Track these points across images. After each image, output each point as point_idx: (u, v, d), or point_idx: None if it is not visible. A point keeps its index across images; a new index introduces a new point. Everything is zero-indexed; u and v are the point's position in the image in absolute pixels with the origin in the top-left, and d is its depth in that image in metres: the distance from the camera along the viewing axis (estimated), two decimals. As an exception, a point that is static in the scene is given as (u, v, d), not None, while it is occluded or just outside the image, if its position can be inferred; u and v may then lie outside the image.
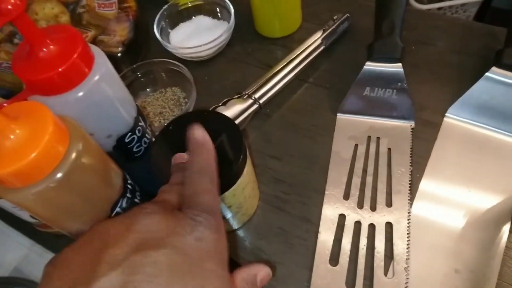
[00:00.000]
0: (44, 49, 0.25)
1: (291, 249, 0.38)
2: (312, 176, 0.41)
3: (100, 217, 0.28)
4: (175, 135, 0.33)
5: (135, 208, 0.23)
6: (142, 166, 0.36)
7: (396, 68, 0.42)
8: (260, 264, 0.26)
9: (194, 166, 0.26)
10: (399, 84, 0.42)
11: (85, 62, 0.27)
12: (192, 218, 0.22)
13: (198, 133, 0.27)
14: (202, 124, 0.33)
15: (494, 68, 0.39)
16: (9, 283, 0.39)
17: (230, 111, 0.43)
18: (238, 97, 0.45)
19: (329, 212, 0.39)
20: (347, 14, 0.51)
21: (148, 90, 0.49)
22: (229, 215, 0.36)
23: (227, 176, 0.31)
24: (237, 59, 0.52)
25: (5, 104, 0.25)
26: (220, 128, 0.32)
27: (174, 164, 0.29)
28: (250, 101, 0.44)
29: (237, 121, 0.43)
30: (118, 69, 0.47)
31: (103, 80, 0.28)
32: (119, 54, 0.47)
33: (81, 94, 0.27)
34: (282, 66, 0.47)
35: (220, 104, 0.44)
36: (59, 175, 0.23)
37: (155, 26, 0.51)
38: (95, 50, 0.29)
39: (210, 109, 0.44)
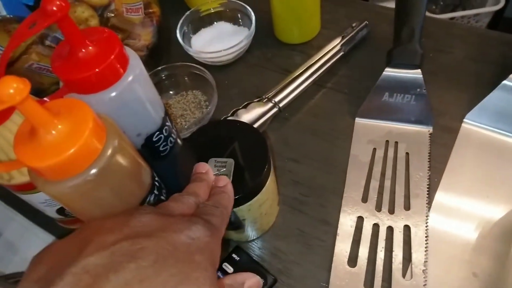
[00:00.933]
0: (83, 50, 0.26)
1: (309, 250, 0.38)
2: (331, 179, 0.42)
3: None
4: (201, 142, 0.34)
5: (134, 208, 0.24)
6: (166, 165, 0.37)
7: (415, 74, 0.42)
8: (250, 273, 0.27)
9: (213, 201, 0.27)
10: (418, 90, 0.43)
11: (120, 63, 0.28)
12: (190, 220, 0.23)
13: (224, 181, 0.29)
14: (230, 134, 0.34)
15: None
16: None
17: (250, 114, 0.44)
18: (258, 101, 0.46)
19: (348, 214, 0.39)
20: (365, 22, 0.52)
21: (170, 92, 0.50)
22: (243, 227, 0.37)
23: (245, 190, 0.31)
24: (256, 64, 0.54)
25: (46, 99, 0.26)
26: (248, 139, 0.33)
27: (194, 173, 0.30)
28: (270, 104, 0.45)
29: (257, 124, 0.44)
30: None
31: (136, 80, 0.29)
32: (143, 58, 0.49)
33: (115, 93, 0.28)
34: (301, 71, 0.48)
35: (241, 107, 0.45)
36: (95, 170, 0.24)
37: (177, 31, 0.52)
38: (129, 52, 0.30)
39: (231, 111, 0.45)
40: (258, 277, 0.26)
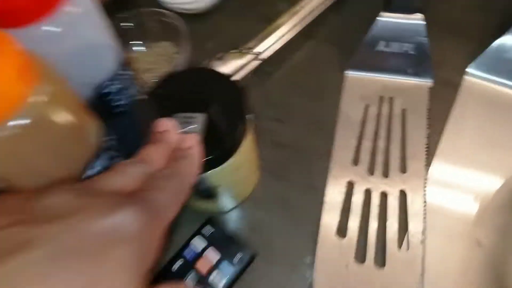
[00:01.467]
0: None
1: (293, 221, 0.34)
2: (318, 141, 0.37)
3: (69, 178, 0.24)
4: (167, 94, 0.28)
5: (48, 185, 0.18)
6: (126, 125, 0.32)
7: (416, 19, 0.37)
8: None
9: (168, 170, 0.21)
10: (418, 38, 0.37)
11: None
12: (119, 201, 0.17)
13: (190, 141, 0.23)
14: (200, 85, 0.28)
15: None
16: None
17: (227, 67, 0.39)
18: (236, 52, 0.40)
19: (336, 179, 0.35)
20: (358, -38, 0.45)
21: (135, 44, 0.44)
22: (216, 195, 0.32)
23: (216, 150, 0.26)
24: (235, 12, 0.47)
25: None
26: (221, 91, 0.28)
27: (153, 132, 0.23)
28: (250, 56, 0.40)
29: (235, 78, 0.39)
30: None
31: (81, 12, 0.23)
32: (106, 2, 0.42)
33: (51, 27, 0.22)
34: (286, 19, 0.42)
35: (215, 58, 0.40)
36: (21, 121, 0.19)
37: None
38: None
39: (205, 62, 0.39)
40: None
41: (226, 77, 0.29)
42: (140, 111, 0.30)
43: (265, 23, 0.45)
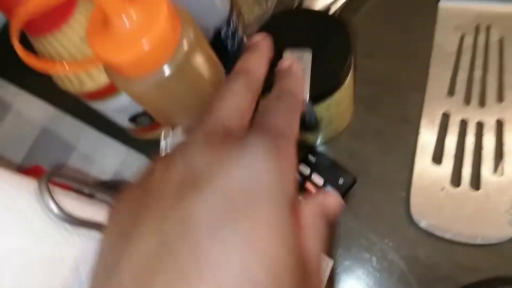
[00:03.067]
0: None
1: (389, 150, 0.36)
2: (410, 74, 0.38)
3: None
4: (274, 33, 0.31)
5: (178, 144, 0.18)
6: (233, 64, 0.35)
7: None
8: (328, 192, 0.20)
9: (275, 91, 0.21)
10: (520, -41, 0.36)
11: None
12: (244, 144, 0.16)
13: (289, 60, 0.23)
14: (307, 24, 0.30)
15: None
16: (115, 186, 0.41)
17: (318, 3, 0.40)
18: (325, -11, 0.41)
19: (431, 111, 0.36)
20: None
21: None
22: (318, 127, 0.34)
23: (324, 85, 0.28)
24: None
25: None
26: (326, 29, 0.30)
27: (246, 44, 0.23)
28: (339, -8, 0.40)
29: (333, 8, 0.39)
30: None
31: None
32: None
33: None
34: (372, -50, 0.41)
35: (306, -3, 0.40)
36: (174, 65, 0.22)
37: None
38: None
39: (296, 3, 0.40)
40: (339, 198, 0.20)
41: (329, 16, 0.31)
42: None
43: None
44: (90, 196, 0.30)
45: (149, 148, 0.42)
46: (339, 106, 0.32)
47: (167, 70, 0.22)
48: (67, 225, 0.22)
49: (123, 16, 0.19)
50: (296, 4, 0.40)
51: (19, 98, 0.51)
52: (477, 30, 0.38)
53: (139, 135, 0.41)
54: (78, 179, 0.28)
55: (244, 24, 0.43)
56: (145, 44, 0.19)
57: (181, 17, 0.22)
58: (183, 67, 0.22)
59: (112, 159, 0.44)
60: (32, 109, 0.50)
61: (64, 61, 0.28)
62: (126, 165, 0.43)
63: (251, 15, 0.43)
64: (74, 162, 0.46)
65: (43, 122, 0.49)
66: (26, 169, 0.47)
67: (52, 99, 0.50)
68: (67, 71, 0.30)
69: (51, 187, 0.24)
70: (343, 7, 0.40)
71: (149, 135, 0.41)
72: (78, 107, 0.35)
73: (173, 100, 0.25)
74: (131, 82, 0.22)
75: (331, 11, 0.40)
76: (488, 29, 0.37)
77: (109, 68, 0.22)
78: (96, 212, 0.27)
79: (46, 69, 0.21)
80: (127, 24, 0.19)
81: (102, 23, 0.20)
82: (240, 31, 0.33)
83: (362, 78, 0.39)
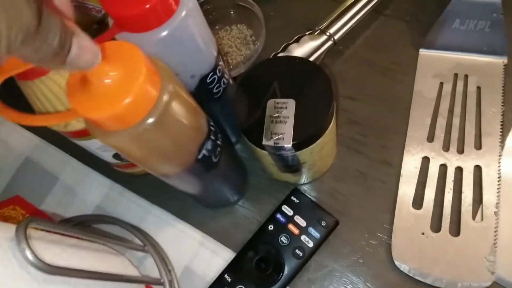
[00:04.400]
0: (134, -18, 0.24)
1: (370, 192, 0.37)
2: (392, 118, 0.39)
3: (188, 159, 0.28)
4: (258, 81, 0.32)
5: None
6: (220, 106, 0.35)
7: (493, -4, 0.37)
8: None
9: None
10: (494, 15, 0.37)
11: (173, -5, 0.25)
12: None
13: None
14: (290, 72, 0.31)
15: None
16: (96, 220, 0.41)
17: (302, 49, 0.41)
18: (310, 33, 0.42)
19: (412, 155, 0.37)
20: None
21: (214, 27, 0.47)
22: (301, 170, 0.35)
23: (307, 133, 0.29)
24: (304, -9, 0.49)
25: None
26: (308, 77, 0.31)
27: None
28: (324, 37, 0.41)
29: (310, 59, 0.41)
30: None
31: (189, 16, 0.26)
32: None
33: (168, 31, 0.26)
34: (356, -3, 0.43)
35: (292, 41, 0.42)
36: (152, 118, 0.22)
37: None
38: (180, -17, 0.27)
39: (282, 46, 0.42)
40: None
41: (311, 63, 0.32)
42: (233, 95, 0.33)
43: (334, 0, 0.47)
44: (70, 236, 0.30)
45: (133, 181, 0.42)
46: (321, 150, 0.33)
47: (146, 123, 0.22)
48: (43, 274, 0.22)
49: (101, 76, 0.20)
50: (280, 48, 0.41)
51: (4, 127, 0.51)
52: (455, 78, 0.39)
53: (123, 169, 0.41)
54: (57, 226, 0.27)
55: (232, 64, 0.44)
56: (124, 101, 0.20)
57: (160, 71, 0.23)
58: (162, 119, 0.23)
59: (94, 192, 0.43)
60: (17, 138, 0.50)
61: (45, 115, 0.28)
62: (108, 199, 0.43)
63: (239, 56, 0.44)
64: (56, 193, 0.45)
65: (27, 151, 0.49)
66: (7, 200, 0.46)
67: (37, 129, 0.50)
68: (50, 124, 0.30)
69: (31, 231, 0.24)
70: (327, 51, 0.42)
71: (133, 170, 0.41)
72: (63, 138, 0.35)
73: (153, 149, 0.25)
74: (110, 135, 0.22)
75: (316, 55, 0.41)
76: (466, 77, 0.39)
77: (88, 122, 0.22)
78: (76, 257, 0.27)
79: (27, 122, 0.21)
80: (106, 82, 0.20)
81: (82, 79, 0.20)
82: (226, 75, 0.34)
83: (345, 120, 0.40)
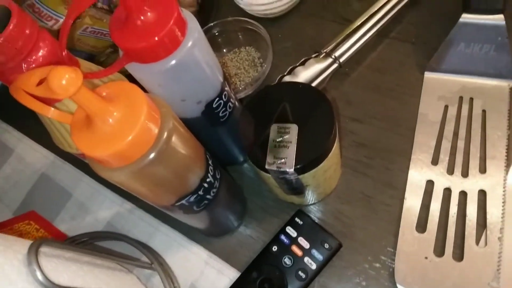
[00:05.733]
0: (142, 17, 0.25)
1: (374, 214, 0.37)
2: (397, 140, 0.39)
3: (189, 190, 0.29)
4: (262, 105, 0.33)
5: None
6: (224, 130, 0.36)
7: (497, 20, 0.37)
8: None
9: None
10: (499, 38, 0.38)
11: (179, 28, 0.26)
12: None
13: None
14: (293, 98, 0.32)
15: None
16: (106, 237, 0.42)
17: (308, 72, 0.42)
18: (316, 56, 0.43)
19: (416, 177, 0.37)
20: (437, -41, 0.45)
21: (222, 50, 0.48)
22: (305, 192, 0.36)
23: (310, 157, 0.30)
24: (311, 13, 0.50)
25: (99, 70, 0.25)
26: (311, 102, 0.31)
27: None
28: (330, 60, 0.42)
29: (316, 82, 0.42)
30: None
31: (195, 45, 0.28)
32: (194, 13, 0.46)
33: (176, 60, 0.27)
34: (362, 20, 0.44)
35: (298, 64, 0.43)
36: (153, 154, 0.23)
37: (227, -18, 0.49)
38: (186, 14, 0.28)
39: (288, 69, 0.43)
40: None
41: (314, 89, 0.33)
42: (239, 119, 0.34)
43: (340, 23, 0.48)
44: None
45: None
46: (325, 173, 0.34)
47: (147, 159, 0.23)
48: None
49: (104, 116, 0.21)
50: (286, 71, 0.42)
51: (21, 143, 0.53)
52: (460, 101, 0.39)
53: (133, 188, 0.42)
54: (68, 247, 0.29)
55: (240, 86, 0.45)
56: (126, 140, 0.21)
57: (160, 109, 0.24)
58: (162, 154, 0.24)
59: (106, 209, 0.45)
60: (33, 155, 0.52)
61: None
62: (119, 215, 0.44)
63: (247, 77, 0.45)
64: (70, 209, 0.47)
65: (43, 168, 0.51)
66: (22, 214, 0.48)
67: (53, 147, 0.51)
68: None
69: (43, 250, 0.25)
70: (333, 73, 0.43)
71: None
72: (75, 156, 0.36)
73: (153, 183, 0.26)
74: (112, 171, 0.23)
75: (321, 77, 0.42)
76: (471, 100, 0.39)
77: (90, 158, 0.23)
78: (91, 274, 0.28)
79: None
80: (110, 122, 0.21)
81: (86, 119, 0.22)
82: (232, 99, 0.35)
83: (351, 142, 0.41)
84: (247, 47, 0.48)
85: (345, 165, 0.40)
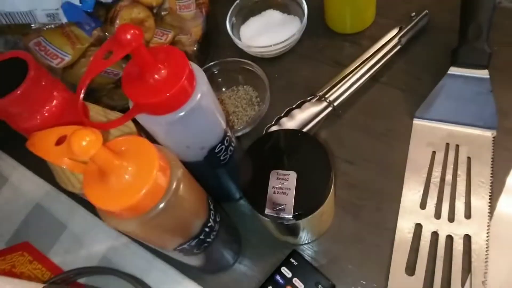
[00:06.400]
0: (156, 76, 0.26)
1: (366, 256, 0.39)
2: (387, 183, 0.41)
3: (191, 236, 0.30)
4: (263, 152, 0.34)
5: None
6: (225, 170, 0.38)
7: (482, 74, 0.40)
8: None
9: None
10: (484, 91, 0.40)
11: (189, 83, 0.28)
12: None
13: None
14: (292, 145, 0.34)
15: None
16: (101, 272, 0.42)
17: (304, 114, 0.44)
18: (311, 99, 0.45)
19: (405, 220, 0.39)
20: (426, 11, 0.48)
21: (221, 88, 0.50)
22: (300, 233, 0.37)
23: (308, 204, 0.31)
24: (307, 55, 0.52)
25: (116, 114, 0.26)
26: (309, 152, 0.33)
27: None
28: (324, 103, 0.44)
29: (311, 124, 0.43)
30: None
31: (203, 98, 0.29)
32: (194, 53, 0.48)
33: (184, 112, 0.28)
34: (356, 65, 0.46)
35: (295, 106, 0.45)
36: (162, 205, 0.25)
37: (227, 22, 0.51)
38: (195, 68, 0.30)
39: (285, 111, 0.44)
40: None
41: (313, 139, 0.34)
42: (239, 165, 0.35)
43: (333, 66, 0.50)
44: None
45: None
46: (321, 217, 0.35)
47: (157, 209, 0.24)
48: None
49: (119, 172, 0.22)
50: (283, 112, 0.44)
51: (16, 172, 0.53)
52: (447, 148, 0.42)
53: (130, 223, 0.43)
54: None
55: (238, 123, 0.47)
56: (139, 195, 0.22)
57: (170, 161, 0.26)
58: (171, 204, 0.25)
59: (101, 242, 0.45)
60: (28, 184, 0.52)
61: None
62: (114, 249, 0.44)
63: (244, 116, 0.47)
64: (64, 241, 0.47)
65: (37, 198, 0.51)
66: (16, 245, 0.48)
67: (48, 176, 0.51)
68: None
69: None
70: (326, 117, 0.45)
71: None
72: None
73: (163, 230, 0.27)
74: (123, 222, 0.24)
75: (316, 120, 0.44)
76: (457, 147, 0.42)
77: (100, 209, 0.24)
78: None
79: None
80: (123, 177, 0.22)
81: (99, 172, 0.23)
82: (233, 143, 0.36)
83: (344, 183, 0.43)
84: (245, 86, 0.49)
85: (338, 205, 0.41)
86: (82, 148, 0.20)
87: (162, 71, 0.27)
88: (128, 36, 0.24)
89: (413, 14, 0.49)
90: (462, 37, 0.41)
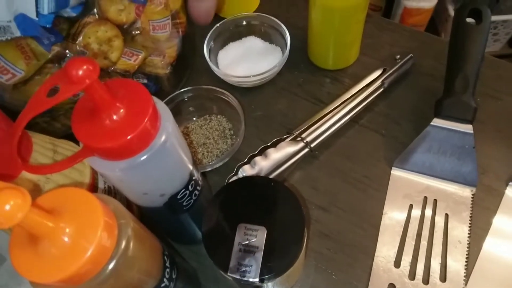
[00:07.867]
0: (114, 116, 0.23)
1: (334, 315, 0.36)
2: (361, 236, 0.39)
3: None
4: (230, 200, 0.31)
5: None
6: (185, 216, 0.34)
7: (466, 129, 0.39)
8: None
9: None
10: (466, 146, 0.39)
11: (152, 124, 0.24)
12: None
13: None
14: (263, 195, 0.31)
15: None
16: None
17: (279, 153, 0.41)
18: (287, 137, 0.42)
19: (378, 279, 0.36)
20: (410, 55, 0.47)
21: (192, 116, 0.46)
22: None
23: (277, 267, 0.28)
24: (286, 89, 0.49)
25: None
26: (282, 204, 0.30)
27: None
28: (301, 144, 0.42)
29: (286, 165, 0.41)
30: (164, 91, 0.45)
31: (168, 140, 0.26)
32: (167, 75, 0.45)
33: (144, 157, 0.25)
34: (336, 105, 0.44)
35: (270, 144, 0.42)
36: (108, 270, 0.21)
37: (205, 46, 0.48)
38: (160, 106, 0.26)
39: (259, 148, 0.41)
40: None
41: (286, 190, 0.31)
42: (203, 215, 0.31)
43: (313, 102, 0.48)
44: None
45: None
46: (288, 278, 0.32)
47: (101, 276, 0.21)
48: None
49: (55, 236, 0.19)
50: (257, 150, 0.41)
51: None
52: (425, 201, 0.40)
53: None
54: None
55: (205, 159, 0.43)
56: (80, 262, 0.19)
57: (117, 215, 0.22)
58: (119, 266, 0.22)
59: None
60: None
61: None
62: None
63: (215, 149, 0.44)
64: (2, 276, 0.41)
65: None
66: None
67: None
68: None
69: None
70: (303, 158, 0.42)
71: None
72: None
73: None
74: None
75: (292, 161, 0.41)
76: (435, 202, 0.40)
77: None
78: None
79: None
80: (59, 242, 0.19)
81: (29, 237, 0.19)
82: (199, 187, 0.33)
83: (316, 232, 0.40)
84: (218, 116, 0.46)
85: (308, 256, 0.38)
86: (5, 214, 0.16)
87: (121, 111, 0.23)
88: (80, 72, 0.20)
89: (398, 56, 0.47)
90: (448, 89, 0.40)
